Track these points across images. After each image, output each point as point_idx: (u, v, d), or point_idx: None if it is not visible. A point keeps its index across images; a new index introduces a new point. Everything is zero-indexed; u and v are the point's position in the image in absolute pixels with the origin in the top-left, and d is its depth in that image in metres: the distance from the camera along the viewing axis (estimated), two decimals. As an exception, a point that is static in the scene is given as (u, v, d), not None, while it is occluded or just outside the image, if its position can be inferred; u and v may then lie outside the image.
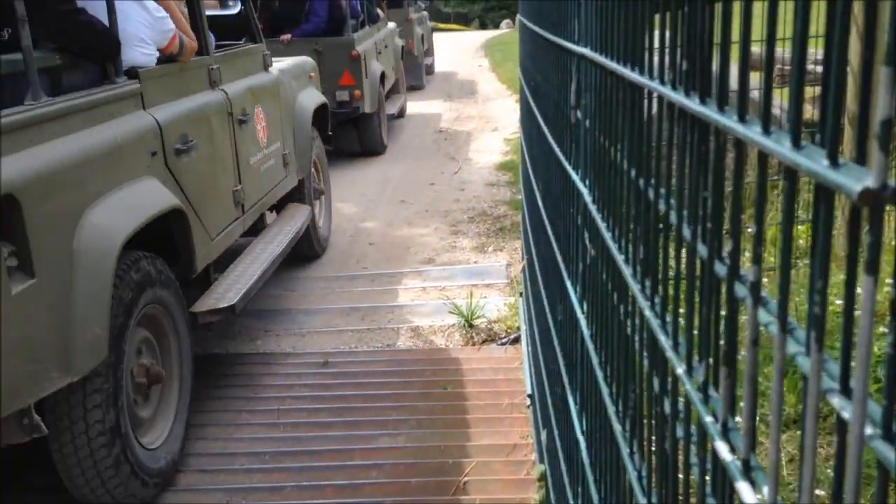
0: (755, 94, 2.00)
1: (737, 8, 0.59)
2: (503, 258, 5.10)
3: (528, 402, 3.10)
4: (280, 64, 4.63)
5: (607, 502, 1.14)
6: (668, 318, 0.75)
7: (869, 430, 0.42)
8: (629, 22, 0.94)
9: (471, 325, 4.08)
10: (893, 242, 3.26)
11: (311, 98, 4.93)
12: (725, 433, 0.58)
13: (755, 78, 1.46)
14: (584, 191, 1.30)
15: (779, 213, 3.35)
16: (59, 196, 2.29)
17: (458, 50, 20.60)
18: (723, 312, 0.61)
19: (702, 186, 0.65)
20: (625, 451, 0.96)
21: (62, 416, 2.39)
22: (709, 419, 0.60)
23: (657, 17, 0.82)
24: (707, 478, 0.64)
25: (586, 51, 1.28)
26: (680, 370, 0.67)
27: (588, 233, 1.29)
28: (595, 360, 1.19)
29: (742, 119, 0.53)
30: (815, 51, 4.02)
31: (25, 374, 2.11)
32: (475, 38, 26.80)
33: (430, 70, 14.27)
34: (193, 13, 3.52)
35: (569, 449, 1.59)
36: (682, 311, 0.72)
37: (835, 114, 0.40)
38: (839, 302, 2.26)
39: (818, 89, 0.47)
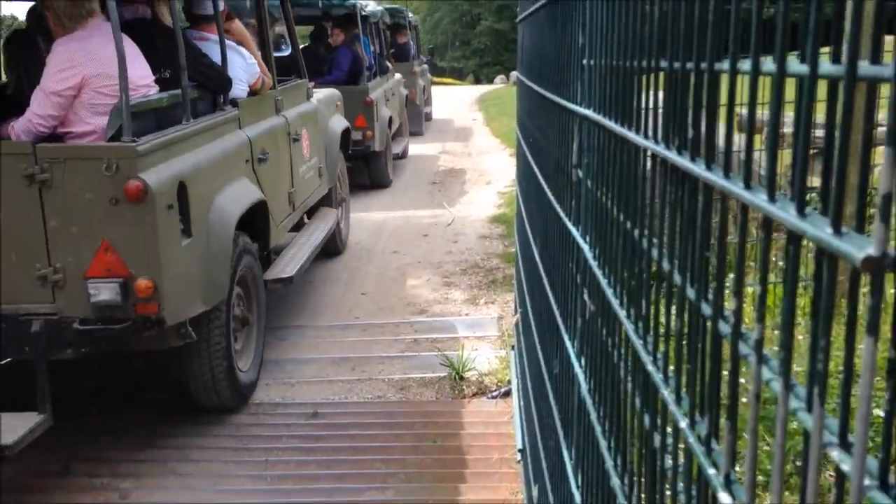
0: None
1: (742, 81, 0.63)
2: (494, 311, 5.12)
3: (519, 457, 3.09)
4: (317, 94, 5.85)
5: (603, 557, 1.15)
6: (671, 374, 0.78)
7: (867, 482, 0.45)
8: (627, 87, 0.99)
9: (461, 378, 4.08)
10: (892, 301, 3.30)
11: (339, 123, 6.28)
12: (728, 484, 0.60)
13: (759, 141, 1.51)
14: (585, 247, 1.33)
15: (779, 269, 3.37)
16: (202, 185, 3.33)
17: (453, 102, 20.99)
18: (721, 369, 0.63)
19: (704, 247, 0.68)
20: (623, 504, 0.98)
21: (197, 335, 3.30)
22: (712, 471, 0.62)
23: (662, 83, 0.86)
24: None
25: (589, 112, 1.32)
26: (683, 423, 0.69)
27: (588, 288, 1.32)
28: (593, 415, 1.21)
29: (747, 186, 0.56)
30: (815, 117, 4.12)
31: (185, 300, 3.14)
32: (470, 91, 27.26)
33: (428, 118, 15.62)
34: (267, 58, 4.70)
35: None
36: (681, 365, 0.74)
37: (838, 186, 0.43)
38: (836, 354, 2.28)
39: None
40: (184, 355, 3.44)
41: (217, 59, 3.83)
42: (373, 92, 8.50)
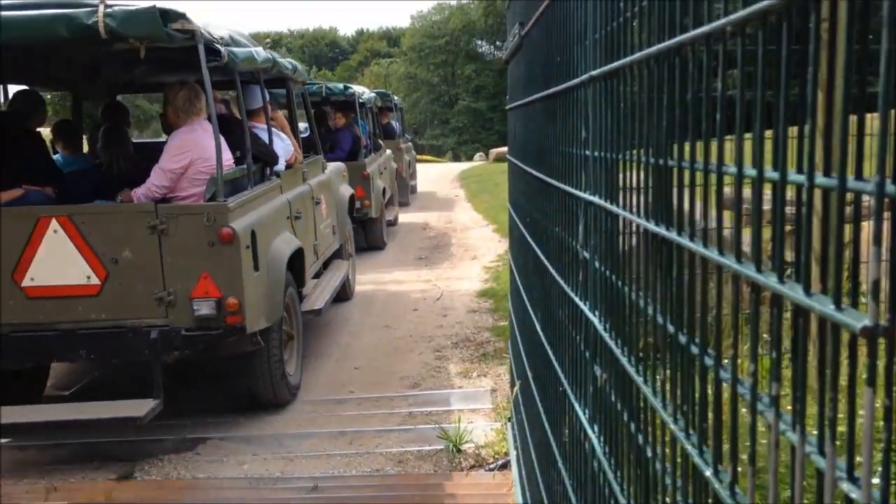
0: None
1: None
2: (487, 383, 5.20)
3: (521, 527, 3.13)
4: (329, 167, 7.21)
5: None
6: (693, 432, 0.89)
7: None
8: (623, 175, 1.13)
9: (459, 451, 4.13)
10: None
11: (346, 190, 7.75)
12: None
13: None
14: (595, 320, 1.46)
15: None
16: (264, 233, 4.46)
17: (434, 178, 21.55)
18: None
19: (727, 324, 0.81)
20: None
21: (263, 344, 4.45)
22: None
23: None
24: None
25: (595, 199, 1.46)
26: (708, 472, 0.80)
27: (598, 358, 1.43)
28: (611, 476, 1.31)
29: (758, 269, 0.69)
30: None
31: (257, 316, 4.24)
32: (449, 168, 27.88)
33: (413, 190, 17.11)
34: (296, 139, 6.08)
35: (577, 566, 1.67)
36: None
37: (836, 272, 0.56)
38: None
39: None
40: (253, 360, 4.54)
41: (266, 141, 5.21)
42: (370, 166, 9.79)
